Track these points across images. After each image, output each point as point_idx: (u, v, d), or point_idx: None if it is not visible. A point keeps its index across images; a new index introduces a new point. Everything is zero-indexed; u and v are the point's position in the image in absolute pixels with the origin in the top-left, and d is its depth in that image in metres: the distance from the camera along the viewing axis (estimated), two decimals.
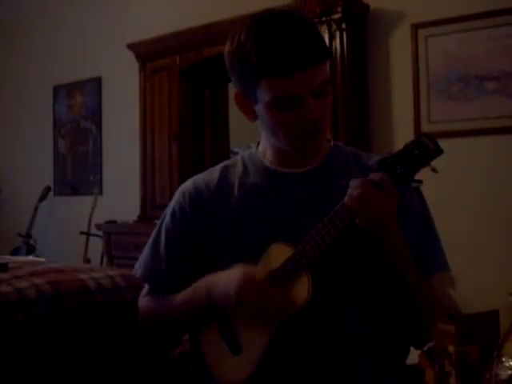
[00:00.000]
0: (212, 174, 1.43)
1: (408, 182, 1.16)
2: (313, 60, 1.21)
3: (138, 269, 1.45)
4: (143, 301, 1.46)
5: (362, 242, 1.22)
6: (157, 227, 1.45)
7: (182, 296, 1.36)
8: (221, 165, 1.45)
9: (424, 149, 1.11)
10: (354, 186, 1.17)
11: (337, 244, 1.22)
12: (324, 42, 1.26)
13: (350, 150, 1.43)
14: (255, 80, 1.23)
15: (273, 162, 1.37)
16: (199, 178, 1.44)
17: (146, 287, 1.48)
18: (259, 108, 1.28)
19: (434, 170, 1.12)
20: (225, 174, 1.41)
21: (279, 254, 1.26)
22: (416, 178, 1.17)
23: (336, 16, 3.36)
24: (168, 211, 1.44)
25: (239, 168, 1.41)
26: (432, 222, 1.37)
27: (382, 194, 1.15)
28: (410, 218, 1.32)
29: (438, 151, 1.11)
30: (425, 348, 2.75)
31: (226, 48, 1.29)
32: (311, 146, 1.30)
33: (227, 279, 1.26)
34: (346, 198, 1.18)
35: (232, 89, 1.35)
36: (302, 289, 1.21)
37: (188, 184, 1.44)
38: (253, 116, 1.31)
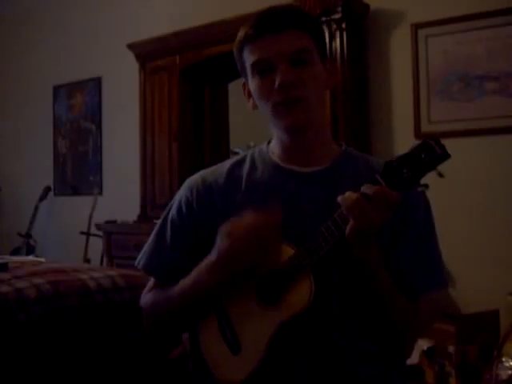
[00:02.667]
0: (221, 168, 1.43)
1: (414, 186, 1.13)
2: (279, 25, 1.28)
3: (141, 260, 1.44)
4: (146, 296, 1.44)
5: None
6: (161, 220, 1.45)
7: (180, 284, 1.34)
8: (230, 160, 1.46)
9: (431, 153, 1.09)
10: (347, 197, 1.14)
11: (338, 246, 1.21)
12: (304, 18, 1.33)
13: (360, 154, 1.43)
14: (242, 56, 1.33)
15: (282, 158, 1.38)
16: (208, 173, 1.43)
17: (148, 284, 1.46)
18: (251, 86, 1.34)
19: (440, 174, 1.10)
20: (233, 169, 1.41)
21: (282, 254, 1.25)
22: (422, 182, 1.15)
23: (336, 16, 3.36)
24: (174, 205, 1.43)
25: (248, 164, 1.41)
26: (435, 236, 1.35)
27: (371, 208, 1.12)
28: (414, 230, 1.31)
29: (446, 156, 1.08)
30: (425, 348, 2.75)
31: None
32: (291, 117, 1.29)
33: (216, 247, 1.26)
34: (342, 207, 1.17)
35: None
36: (305, 290, 1.21)
37: (196, 179, 1.43)
38: (253, 103, 1.37)
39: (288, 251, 1.25)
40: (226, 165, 1.43)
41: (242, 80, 1.40)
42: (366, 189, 1.13)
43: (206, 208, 1.38)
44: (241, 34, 1.33)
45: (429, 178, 1.16)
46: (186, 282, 1.33)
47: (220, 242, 1.25)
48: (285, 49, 1.27)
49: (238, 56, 1.35)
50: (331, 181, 1.33)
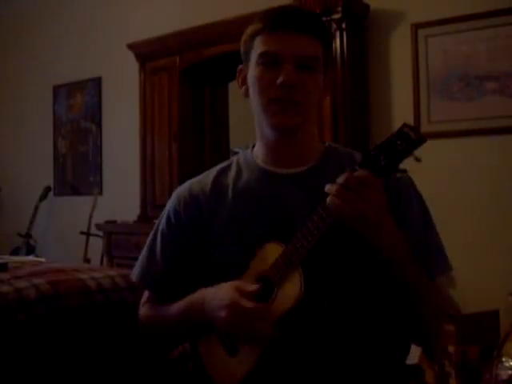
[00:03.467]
0: (207, 177, 1.44)
1: (392, 173, 1.14)
2: (299, 27, 1.28)
3: (135, 273, 1.46)
4: (143, 309, 1.46)
5: (353, 239, 1.21)
6: (152, 232, 1.46)
7: (178, 308, 1.36)
8: (217, 167, 1.46)
9: (406, 139, 1.10)
10: (328, 189, 1.16)
11: (328, 241, 1.22)
12: (321, 25, 1.34)
13: (345, 151, 1.43)
14: (252, 42, 1.32)
15: (266, 161, 1.38)
16: (195, 182, 1.44)
17: (145, 294, 1.48)
18: (250, 74, 1.33)
19: (417, 159, 1.11)
20: (219, 177, 1.42)
21: (271, 253, 1.26)
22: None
23: (336, 16, 3.35)
24: (163, 216, 1.44)
25: (233, 170, 1.42)
26: (432, 222, 1.36)
27: (351, 194, 1.13)
28: (410, 218, 1.31)
29: (421, 140, 1.10)
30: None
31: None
32: (284, 117, 1.29)
33: (218, 301, 1.26)
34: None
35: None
36: (295, 285, 1.21)
37: (183, 189, 1.44)
38: (245, 90, 1.37)
39: (278, 249, 1.25)
40: (212, 173, 1.44)
41: (240, 66, 1.39)
42: (339, 179, 1.15)
43: (195, 218, 1.39)
44: (259, 22, 1.32)
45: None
46: (183, 307, 1.35)
47: (217, 309, 1.25)
48: (297, 51, 1.28)
49: (248, 41, 1.34)
50: (317, 179, 1.32)
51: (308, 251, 1.21)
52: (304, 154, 1.37)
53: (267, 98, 1.30)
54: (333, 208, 1.15)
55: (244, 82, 1.37)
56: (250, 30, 1.34)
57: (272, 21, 1.29)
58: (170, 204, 1.44)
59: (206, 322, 1.30)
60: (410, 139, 1.10)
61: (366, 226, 1.16)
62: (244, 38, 1.36)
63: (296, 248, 1.21)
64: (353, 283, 1.28)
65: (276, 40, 1.28)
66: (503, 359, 2.32)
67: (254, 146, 1.44)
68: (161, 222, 1.44)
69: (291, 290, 1.22)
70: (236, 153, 1.49)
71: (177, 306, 1.36)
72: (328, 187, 1.15)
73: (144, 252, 1.46)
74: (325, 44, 1.33)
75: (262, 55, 1.30)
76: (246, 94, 1.37)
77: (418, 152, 1.11)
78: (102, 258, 4.42)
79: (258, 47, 1.31)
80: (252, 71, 1.33)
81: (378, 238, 1.18)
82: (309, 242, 1.20)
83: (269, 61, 1.29)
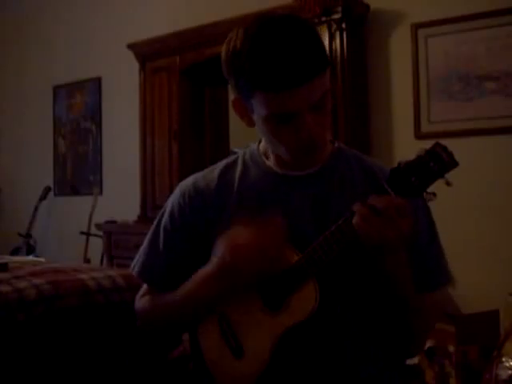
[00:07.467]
0: (212, 172, 1.41)
1: (422, 195, 1.12)
2: (309, 75, 1.14)
3: (135, 267, 1.43)
4: (140, 302, 1.44)
5: (364, 253, 1.21)
6: (154, 226, 1.43)
7: (177, 292, 1.33)
8: (221, 163, 1.43)
9: (439, 161, 1.08)
10: (355, 209, 1.13)
11: (343, 252, 1.20)
12: (323, 50, 1.19)
13: (352, 152, 1.41)
14: (250, 91, 1.19)
15: (274, 162, 1.36)
16: (199, 177, 1.42)
17: (143, 288, 1.46)
18: (256, 118, 1.25)
19: (448, 183, 1.09)
20: (225, 173, 1.40)
21: (283, 258, 1.24)
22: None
23: (336, 16, 3.35)
24: (166, 210, 1.42)
25: (239, 167, 1.39)
26: (437, 234, 1.35)
27: (383, 222, 1.10)
28: (417, 230, 1.29)
29: (454, 164, 1.08)
30: (425, 348, 2.75)
31: (222, 55, 1.23)
32: (310, 158, 1.29)
33: (215, 256, 1.25)
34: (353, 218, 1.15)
35: (232, 90, 1.35)
36: (310, 298, 1.21)
37: (188, 183, 1.42)
38: (251, 123, 1.29)
39: (292, 256, 1.23)
40: (217, 168, 1.41)
41: (231, 96, 1.29)
42: (373, 200, 1.11)
43: (199, 213, 1.36)
44: (248, 69, 1.15)
45: None
46: (182, 292, 1.32)
47: (219, 256, 1.22)
48: (311, 99, 1.17)
49: (243, 85, 1.19)
50: (327, 181, 1.32)
51: (325, 264, 1.20)
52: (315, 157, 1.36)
53: (288, 148, 1.24)
54: (359, 230, 1.13)
55: (244, 114, 1.28)
56: (246, 72, 1.16)
57: (277, 81, 1.13)
58: (173, 198, 1.42)
59: (206, 298, 1.28)
60: (443, 162, 1.08)
61: (392, 251, 1.17)
62: (236, 75, 1.20)
63: (313, 259, 1.20)
64: (363, 290, 1.27)
65: (287, 98, 1.14)
66: (503, 359, 2.32)
67: (259, 142, 1.41)
68: (163, 215, 1.42)
69: (305, 302, 1.21)
70: (236, 153, 1.47)
71: (175, 293, 1.33)
72: (357, 208, 1.13)
73: (145, 245, 1.43)
74: (328, 63, 1.22)
75: (272, 115, 1.19)
76: (250, 125, 1.29)
77: (448, 175, 1.08)
78: (102, 257, 4.42)
79: (262, 104, 1.18)
80: (260, 122, 1.23)
81: (392, 260, 1.19)
82: (327, 256, 1.19)
83: (282, 119, 1.18)
